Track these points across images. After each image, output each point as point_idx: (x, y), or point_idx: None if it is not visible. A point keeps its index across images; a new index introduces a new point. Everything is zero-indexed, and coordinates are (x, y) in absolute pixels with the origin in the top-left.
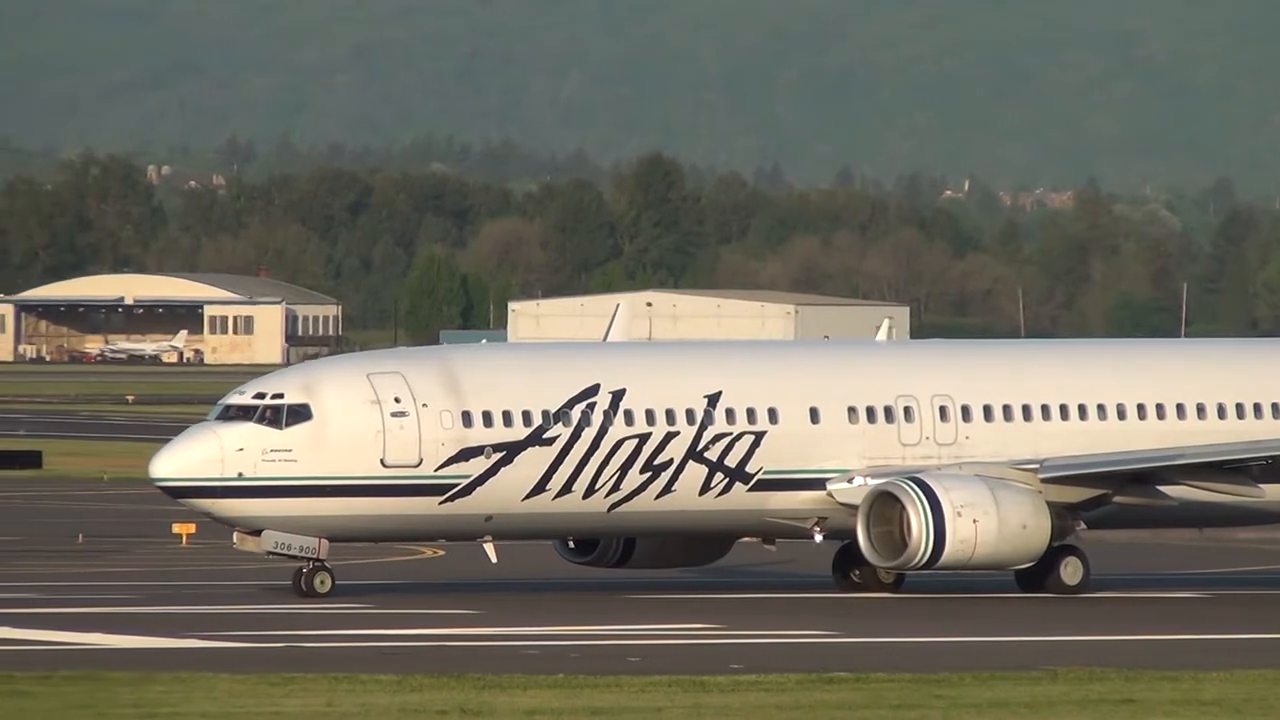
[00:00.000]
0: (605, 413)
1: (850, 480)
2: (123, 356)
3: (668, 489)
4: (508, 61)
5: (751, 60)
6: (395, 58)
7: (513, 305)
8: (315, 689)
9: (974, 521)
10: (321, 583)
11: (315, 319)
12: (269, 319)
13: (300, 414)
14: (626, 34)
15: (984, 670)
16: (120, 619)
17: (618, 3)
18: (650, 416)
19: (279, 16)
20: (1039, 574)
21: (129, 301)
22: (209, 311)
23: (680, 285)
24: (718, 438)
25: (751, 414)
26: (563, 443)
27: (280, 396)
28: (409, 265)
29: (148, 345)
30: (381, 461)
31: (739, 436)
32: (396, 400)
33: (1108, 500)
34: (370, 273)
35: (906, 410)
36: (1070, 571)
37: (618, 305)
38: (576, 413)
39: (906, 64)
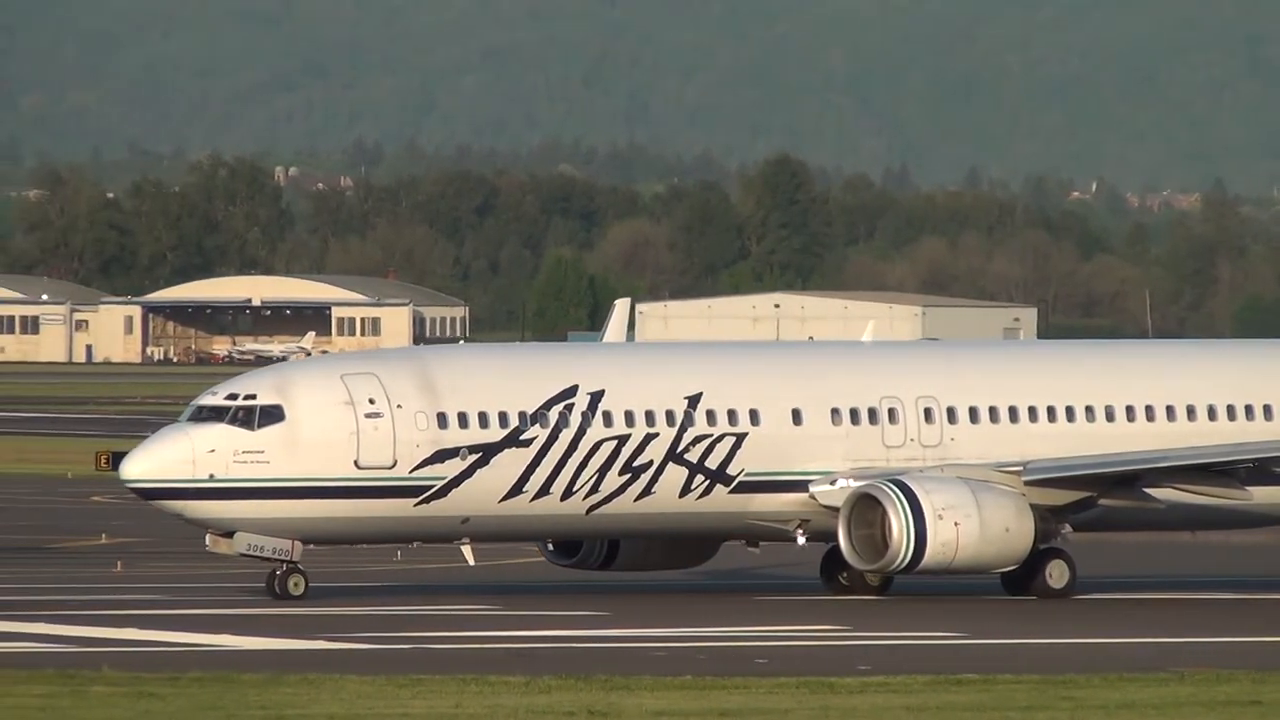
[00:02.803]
0: (583, 414)
1: (833, 482)
2: (250, 358)
3: (647, 491)
4: (635, 63)
5: (879, 62)
6: (523, 60)
7: (640, 307)
8: (443, 690)
9: (955, 524)
10: (295, 585)
11: (442, 320)
12: (396, 320)
13: (273, 415)
14: (754, 36)
15: (1111, 672)
16: (248, 620)
17: (745, 5)
18: (629, 418)
19: (407, 19)
20: (1024, 577)
21: (256, 303)
22: (336, 313)
23: (807, 287)
24: (698, 439)
25: (732, 415)
26: (540, 444)
27: (253, 397)
28: (536, 267)
29: (275, 347)
30: (355, 463)
31: (720, 438)
32: (371, 401)
33: (1093, 503)
34: (497, 274)
35: (891, 412)
36: (1056, 575)
37: (614, 304)
38: (554, 414)
39: (1034, 65)
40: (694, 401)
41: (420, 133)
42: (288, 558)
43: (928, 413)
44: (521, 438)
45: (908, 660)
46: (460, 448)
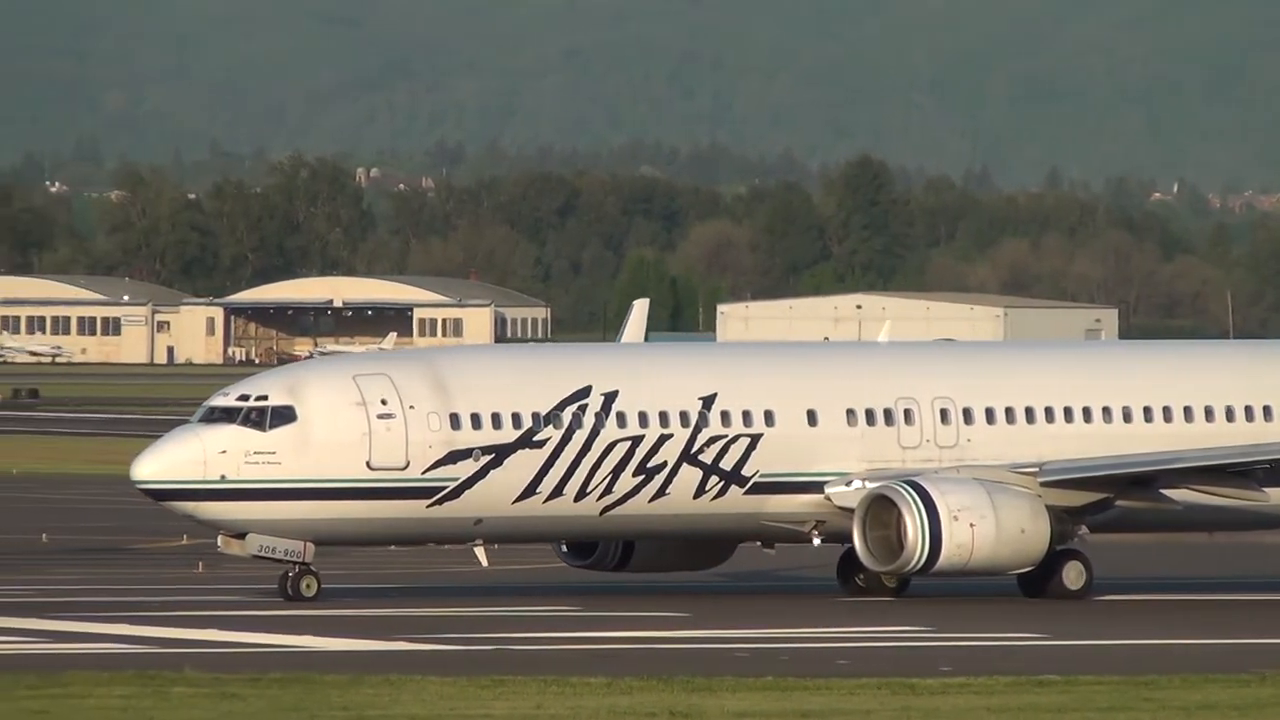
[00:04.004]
0: (597, 415)
1: (848, 483)
2: None
3: (661, 492)
4: (717, 64)
5: (960, 63)
6: (605, 61)
7: (721, 308)
8: (525, 692)
9: (971, 525)
10: (308, 586)
11: (524, 321)
12: (478, 321)
13: (284, 416)
14: (836, 36)
15: (1192, 673)
16: (330, 621)
17: (828, 5)
18: (643, 419)
19: (488, 19)
20: (1040, 579)
21: (338, 304)
22: (418, 314)
23: (889, 288)
24: (712, 440)
25: (747, 416)
26: (553, 445)
27: (264, 398)
28: (618, 268)
29: (357, 347)
30: (367, 464)
31: (734, 439)
32: (383, 402)
33: (1110, 504)
34: (579, 275)
35: (907, 413)
36: (1073, 576)
37: (633, 304)
38: (568, 415)
39: (1115, 66)
40: (708, 402)
41: (502, 133)
42: (300, 559)
43: (944, 413)
44: (535, 439)
45: (989, 661)
46: (473, 449)
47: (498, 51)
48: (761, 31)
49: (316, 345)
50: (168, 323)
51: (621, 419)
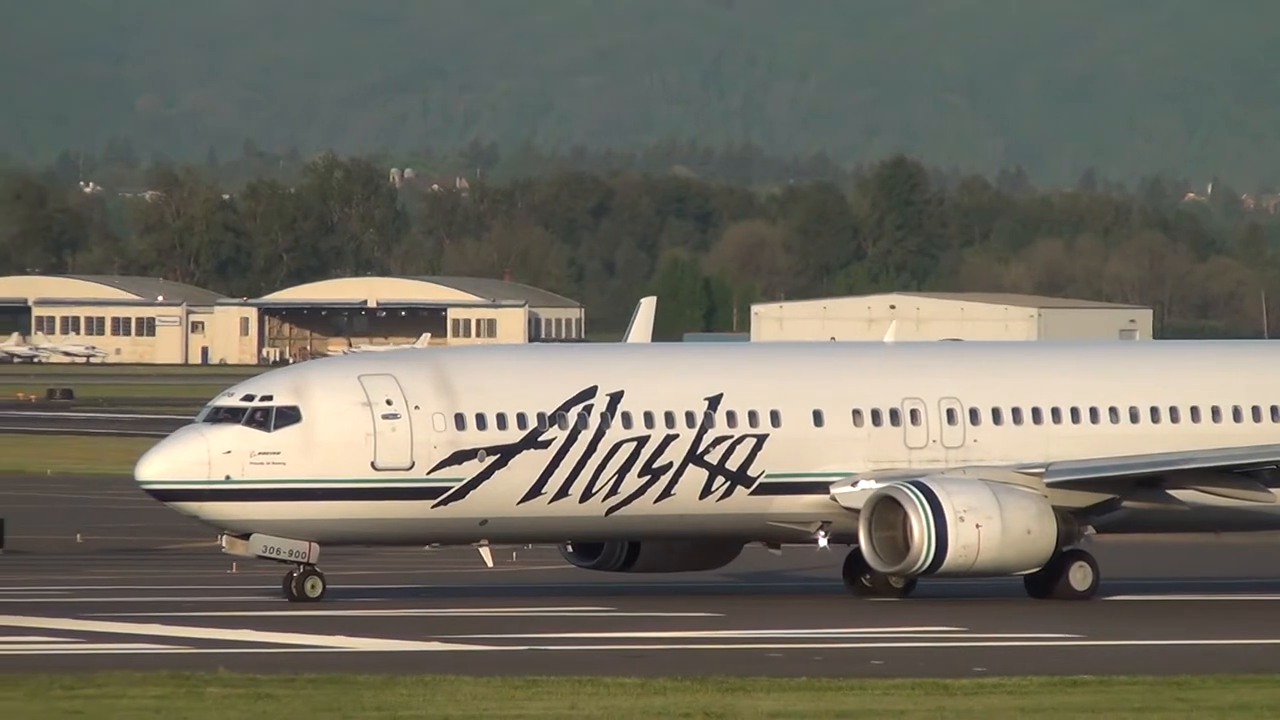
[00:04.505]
0: (602, 415)
1: (854, 484)
2: None
3: (667, 492)
4: (751, 64)
5: (994, 63)
6: (638, 61)
7: (755, 308)
8: (558, 692)
9: (977, 526)
10: (313, 587)
11: (558, 322)
12: (512, 322)
13: (289, 416)
14: (869, 36)
15: (1226, 673)
16: (363, 622)
17: (861, 6)
18: (649, 419)
19: (521, 20)
20: (1047, 580)
21: (372, 304)
22: (452, 315)
23: (923, 288)
24: (718, 440)
25: (753, 416)
26: (559, 445)
27: (269, 399)
28: (652, 268)
29: (391, 348)
30: (372, 464)
31: (740, 439)
32: (388, 402)
33: (1117, 505)
34: (613, 276)
35: (913, 413)
36: (1080, 577)
37: (640, 303)
38: (573, 415)
39: (1149, 66)
40: (714, 403)
41: (535, 133)
42: (304, 559)
43: (950, 414)
44: (540, 439)
45: (1023, 661)
46: (478, 449)
47: (531, 52)
48: (794, 32)
49: (351, 345)
50: (202, 323)
51: (627, 419)
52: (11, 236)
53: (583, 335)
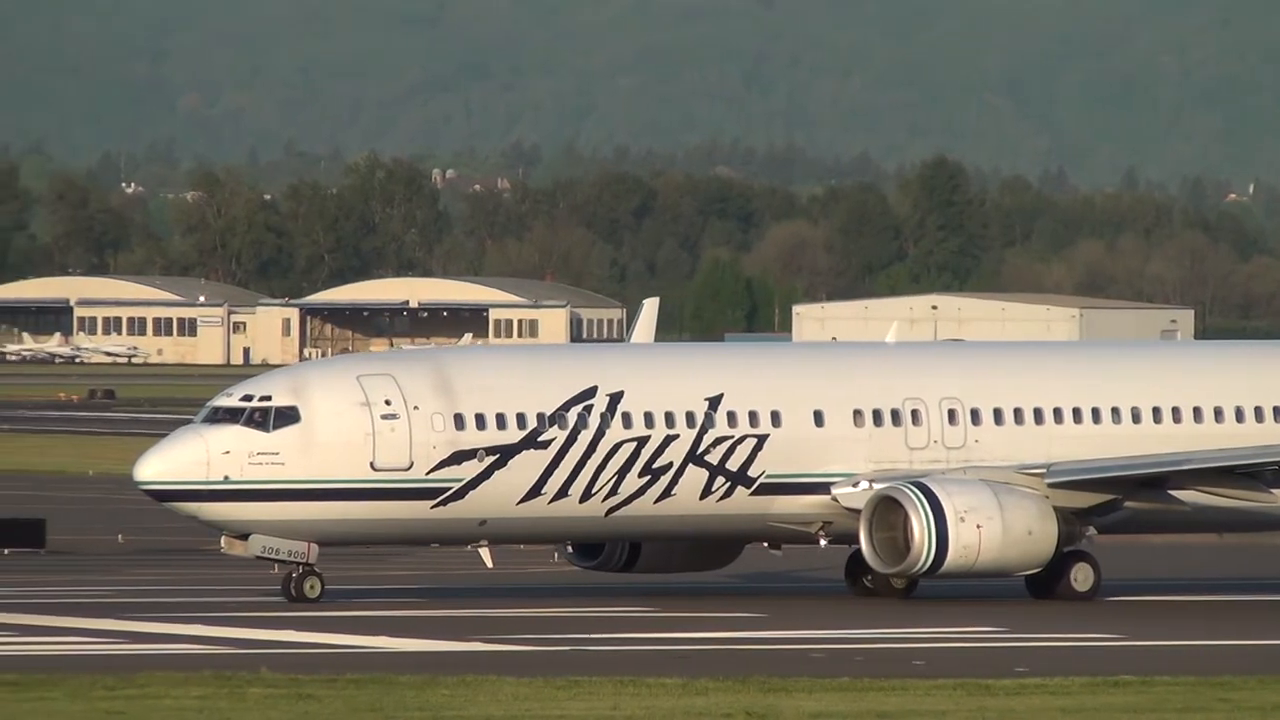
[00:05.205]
0: (602, 415)
1: (855, 484)
2: None
3: (667, 493)
4: (793, 65)
5: (1036, 63)
6: (680, 61)
7: (797, 308)
8: (600, 692)
9: (977, 527)
10: (311, 588)
11: (599, 322)
12: (554, 322)
13: (288, 416)
14: (910, 37)
15: (1268, 674)
16: (405, 622)
17: (902, 6)
18: (649, 419)
19: (564, 20)
20: (1048, 580)
21: (414, 305)
22: (494, 315)
23: (965, 288)
24: (719, 441)
25: (753, 417)
26: (558, 446)
27: (268, 399)
28: (694, 268)
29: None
30: (371, 465)
31: (741, 440)
32: (387, 402)
33: (1118, 505)
34: (655, 276)
35: (914, 413)
36: (1081, 577)
37: (643, 304)
38: (573, 415)
39: (1191, 67)
40: (714, 403)
41: (578, 134)
42: (303, 560)
43: (951, 414)
44: (540, 439)
45: (1065, 662)
46: (478, 449)
47: (573, 52)
48: (836, 32)
49: (393, 346)
50: (243, 323)
51: (627, 419)
52: (54, 237)
53: (625, 336)
